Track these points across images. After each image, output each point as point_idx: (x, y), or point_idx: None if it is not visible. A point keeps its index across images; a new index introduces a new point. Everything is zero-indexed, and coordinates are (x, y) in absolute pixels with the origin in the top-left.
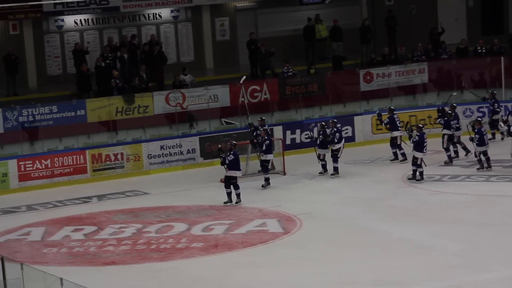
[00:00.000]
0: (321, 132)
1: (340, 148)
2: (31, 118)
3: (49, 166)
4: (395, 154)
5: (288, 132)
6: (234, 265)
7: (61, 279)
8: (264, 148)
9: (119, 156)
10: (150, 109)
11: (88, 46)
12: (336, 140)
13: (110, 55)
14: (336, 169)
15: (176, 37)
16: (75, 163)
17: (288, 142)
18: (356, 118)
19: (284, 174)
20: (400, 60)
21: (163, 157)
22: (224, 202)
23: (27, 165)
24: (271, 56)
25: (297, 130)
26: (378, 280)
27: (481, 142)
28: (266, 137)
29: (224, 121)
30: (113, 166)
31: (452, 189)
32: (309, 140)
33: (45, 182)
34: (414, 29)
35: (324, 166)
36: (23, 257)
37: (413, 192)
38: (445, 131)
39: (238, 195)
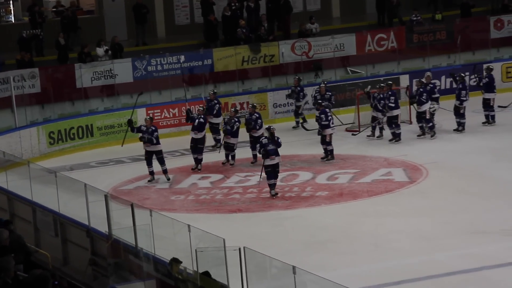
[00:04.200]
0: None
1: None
2: (159, 68)
3: (177, 115)
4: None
5: (415, 81)
6: (359, 214)
7: (189, 225)
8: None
9: (245, 105)
10: (276, 58)
11: None
12: (258, 127)
13: (237, 4)
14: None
15: None
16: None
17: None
18: (485, 66)
19: (410, 123)
20: None
21: (288, 106)
22: (148, 181)
23: (155, 114)
24: (398, 5)
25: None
26: (507, 230)
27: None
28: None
29: (350, 70)
30: (239, 115)
31: None
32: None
33: (172, 130)
34: None
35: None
36: (152, 204)
37: None
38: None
39: (165, 171)
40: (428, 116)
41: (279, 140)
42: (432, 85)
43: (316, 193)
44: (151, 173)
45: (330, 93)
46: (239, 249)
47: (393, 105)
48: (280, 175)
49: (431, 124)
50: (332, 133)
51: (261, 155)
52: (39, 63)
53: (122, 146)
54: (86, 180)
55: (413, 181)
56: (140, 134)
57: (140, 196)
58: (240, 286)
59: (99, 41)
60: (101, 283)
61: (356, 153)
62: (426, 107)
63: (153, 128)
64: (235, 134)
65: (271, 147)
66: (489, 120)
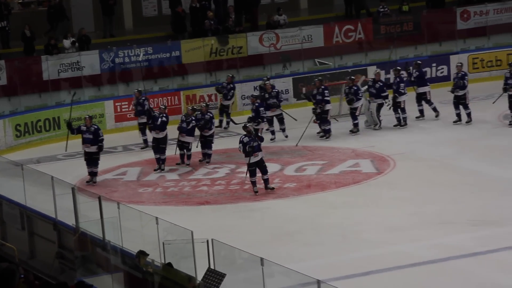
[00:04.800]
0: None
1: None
2: (127, 60)
3: None
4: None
5: (382, 72)
6: (327, 205)
7: (157, 218)
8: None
9: (213, 97)
10: (243, 50)
11: None
12: (212, 127)
13: None
14: (208, 156)
15: None
16: (170, 104)
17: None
18: (452, 57)
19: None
20: None
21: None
22: (87, 182)
23: (123, 106)
24: None
25: (391, 70)
26: (474, 220)
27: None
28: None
29: (318, 62)
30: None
31: None
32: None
33: None
34: None
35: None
36: (119, 197)
37: (510, 132)
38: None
39: (95, 174)
40: (357, 113)
41: (260, 135)
42: (382, 84)
43: (284, 184)
44: (91, 174)
45: (276, 90)
46: (207, 241)
47: (328, 98)
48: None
49: (356, 121)
50: (264, 128)
51: (245, 154)
52: (5, 55)
53: (66, 151)
54: (53, 173)
55: (380, 172)
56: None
57: (108, 189)
58: None
59: (66, 33)
60: (68, 276)
61: (324, 144)
62: (358, 104)
63: (96, 127)
64: (190, 133)
65: (253, 144)
66: (423, 114)
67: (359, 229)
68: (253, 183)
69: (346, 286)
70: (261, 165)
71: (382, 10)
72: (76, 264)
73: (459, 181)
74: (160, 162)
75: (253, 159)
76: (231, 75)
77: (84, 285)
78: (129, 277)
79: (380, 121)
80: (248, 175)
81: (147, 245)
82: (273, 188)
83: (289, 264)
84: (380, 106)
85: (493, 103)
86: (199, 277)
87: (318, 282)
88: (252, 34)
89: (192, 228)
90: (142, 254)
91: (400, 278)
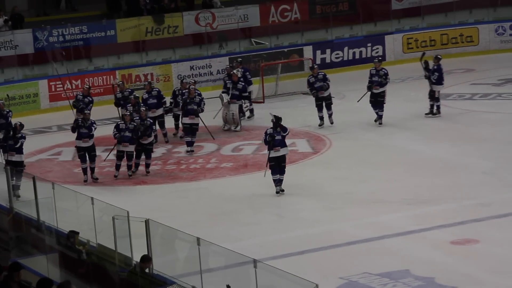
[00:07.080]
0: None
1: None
2: (61, 39)
3: (80, 86)
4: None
5: (318, 52)
6: (264, 185)
7: (92, 198)
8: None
9: (149, 77)
10: (179, 29)
11: None
12: (152, 135)
13: None
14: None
15: None
16: (105, 83)
17: (318, 62)
18: (387, 37)
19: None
20: None
21: (192, 77)
22: None
23: (57, 86)
24: None
25: (327, 50)
26: (409, 199)
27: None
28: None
29: (254, 41)
30: (143, 86)
31: (483, 107)
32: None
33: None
34: None
35: None
36: (54, 177)
37: (444, 111)
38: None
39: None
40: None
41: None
42: (242, 84)
43: (221, 164)
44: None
45: (200, 97)
46: (146, 221)
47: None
48: (185, 147)
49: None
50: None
51: (265, 144)
52: None
53: None
54: None
55: (316, 151)
56: None
57: (42, 169)
58: None
59: None
60: (2, 257)
61: (261, 124)
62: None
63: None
64: (133, 140)
65: (277, 136)
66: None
67: (295, 208)
68: (275, 181)
69: (282, 265)
70: (280, 163)
71: None
72: (10, 245)
73: (394, 160)
74: (89, 171)
75: (273, 153)
76: (87, 86)
77: (18, 266)
78: (64, 257)
79: (241, 120)
80: (267, 169)
81: (82, 225)
82: (283, 191)
83: (225, 243)
84: (241, 107)
85: (358, 101)
86: (135, 258)
87: (254, 261)
88: (188, 13)
89: (128, 208)
90: (76, 233)
91: (335, 257)
